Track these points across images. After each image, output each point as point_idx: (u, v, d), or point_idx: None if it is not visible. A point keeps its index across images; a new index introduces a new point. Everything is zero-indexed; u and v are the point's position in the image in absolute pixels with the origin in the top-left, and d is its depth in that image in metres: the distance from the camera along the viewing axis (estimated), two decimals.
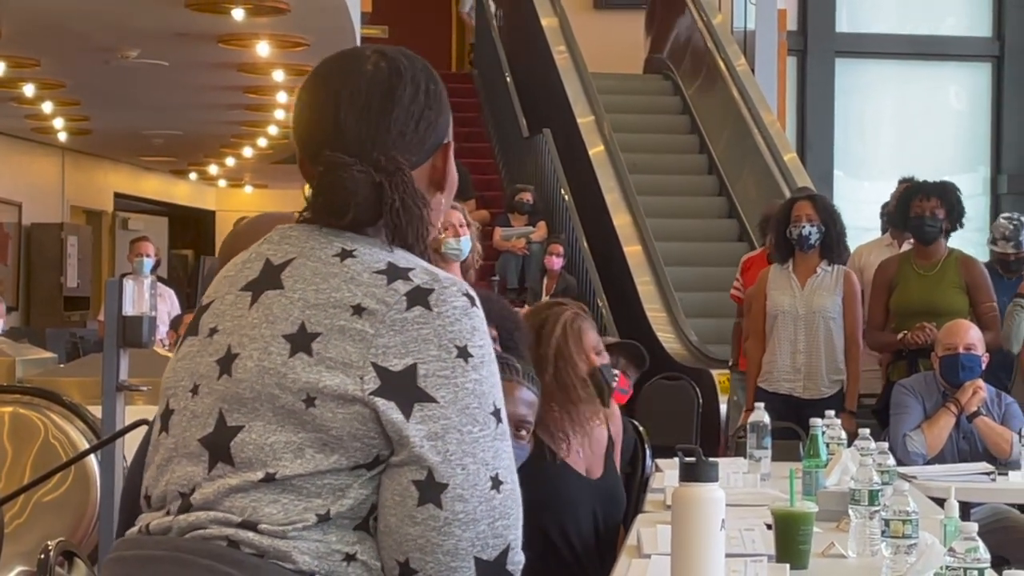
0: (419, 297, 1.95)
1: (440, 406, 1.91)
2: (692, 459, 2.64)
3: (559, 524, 4.24)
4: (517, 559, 1.92)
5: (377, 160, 2.02)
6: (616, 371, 4.62)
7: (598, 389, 4.34)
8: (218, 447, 1.96)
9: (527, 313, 4.62)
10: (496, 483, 1.90)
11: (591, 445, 4.43)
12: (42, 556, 2.73)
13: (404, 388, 1.91)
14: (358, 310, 1.94)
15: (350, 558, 1.92)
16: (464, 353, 1.93)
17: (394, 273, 1.97)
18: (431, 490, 1.89)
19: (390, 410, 1.91)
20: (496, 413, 1.93)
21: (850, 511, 3.58)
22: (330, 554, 1.92)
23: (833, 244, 7.34)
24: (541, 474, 4.22)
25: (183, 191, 25.34)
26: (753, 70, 14.77)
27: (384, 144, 2.05)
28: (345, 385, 1.92)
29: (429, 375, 1.92)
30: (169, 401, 2.05)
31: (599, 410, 4.45)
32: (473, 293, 2.00)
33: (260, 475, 1.93)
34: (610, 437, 4.51)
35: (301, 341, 1.94)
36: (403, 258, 2.00)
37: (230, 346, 1.99)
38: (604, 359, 4.40)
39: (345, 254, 1.99)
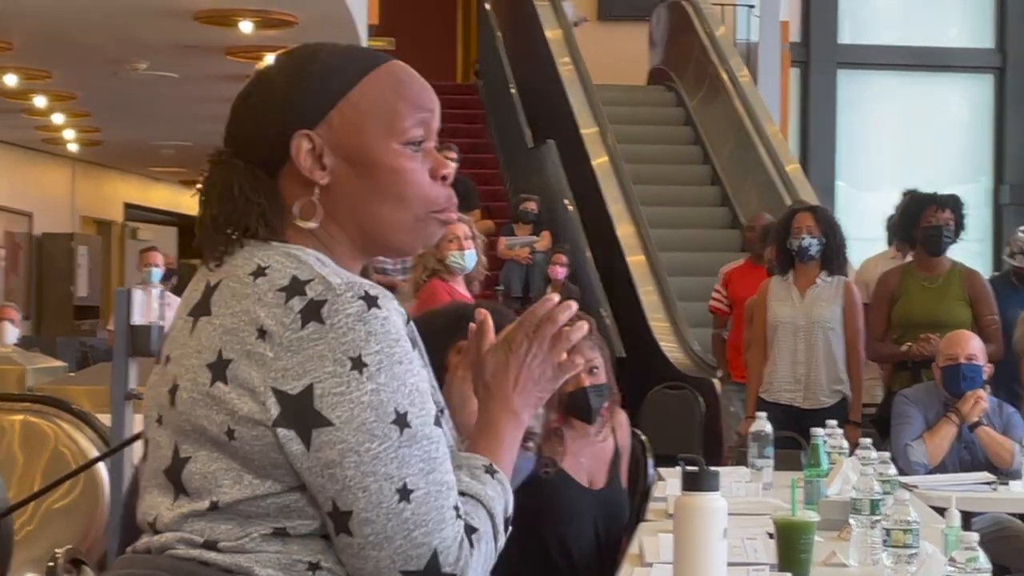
0: (312, 312, 1.84)
1: (336, 428, 1.82)
2: (694, 468, 2.64)
3: (558, 535, 4.24)
4: (452, 559, 1.83)
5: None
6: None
7: (579, 409, 4.34)
8: (175, 478, 1.93)
9: None
10: (404, 494, 1.81)
11: (594, 455, 4.43)
12: (51, 564, 2.74)
13: (302, 413, 1.83)
14: (261, 333, 1.86)
15: (314, 567, 1.88)
16: (358, 364, 1.82)
17: (293, 289, 1.86)
18: (339, 519, 1.83)
19: (290, 441, 1.84)
20: (399, 419, 1.82)
21: (851, 520, 3.58)
22: (292, 564, 1.88)
23: (833, 255, 7.33)
24: (539, 483, 4.23)
25: (192, 202, 24.93)
26: (756, 81, 14.78)
27: (231, 140, 2.02)
28: (253, 412, 1.85)
29: (325, 394, 1.82)
30: (145, 429, 2.03)
31: (603, 422, 4.45)
32: (377, 292, 1.86)
33: (206, 504, 1.90)
34: (616, 448, 4.51)
35: (219, 369, 1.88)
36: (310, 268, 1.89)
37: (175, 376, 1.94)
38: (597, 378, 4.39)
39: (258, 271, 1.91)
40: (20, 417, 6.01)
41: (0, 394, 6.56)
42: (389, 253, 2.04)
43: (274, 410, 1.84)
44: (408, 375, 1.85)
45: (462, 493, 1.89)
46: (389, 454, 1.82)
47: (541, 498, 4.05)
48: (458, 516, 1.85)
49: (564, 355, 2.02)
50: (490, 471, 1.94)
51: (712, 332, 9.19)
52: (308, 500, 1.88)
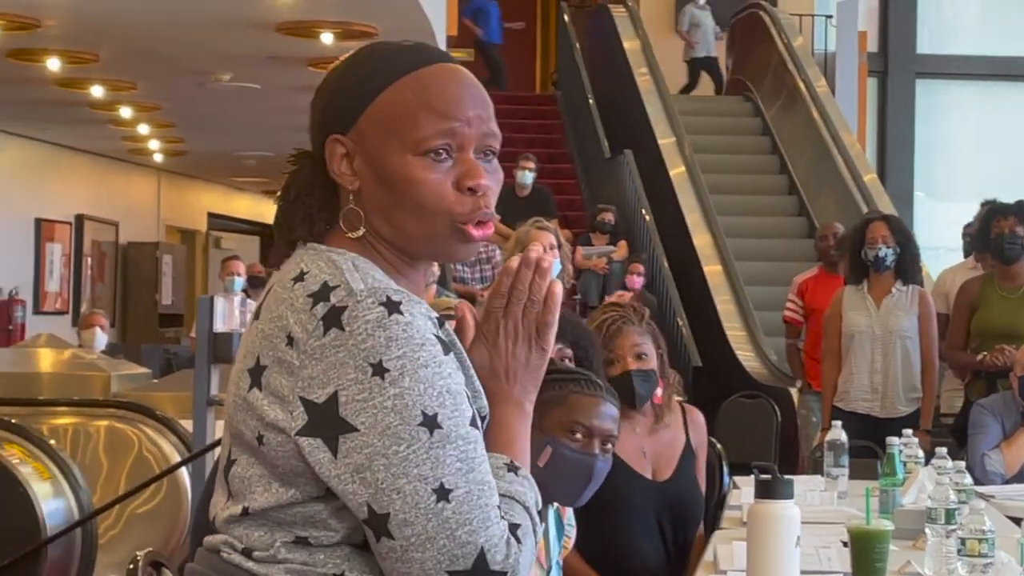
0: (333, 318, 1.82)
1: (361, 434, 1.79)
2: (767, 476, 2.63)
3: (614, 523, 4.23)
4: (500, 556, 1.79)
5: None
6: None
7: (623, 394, 4.34)
8: (225, 479, 1.95)
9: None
10: (443, 493, 1.78)
11: (658, 446, 4.42)
12: (131, 566, 2.76)
13: (328, 421, 1.81)
14: (289, 340, 1.85)
15: None
16: (379, 369, 1.79)
17: (320, 295, 1.85)
18: (377, 523, 1.80)
19: (316, 450, 1.82)
20: (427, 421, 1.79)
21: (927, 529, 3.55)
22: (318, 572, 1.87)
23: (908, 265, 7.28)
24: None
25: (273, 211, 25.52)
26: (833, 91, 14.71)
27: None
28: (278, 420, 1.85)
29: (349, 401, 1.80)
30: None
31: (662, 411, 4.45)
32: (400, 297, 1.84)
33: (240, 509, 1.91)
34: (689, 444, 4.49)
35: (256, 375, 1.88)
36: (340, 274, 1.88)
37: (232, 380, 1.97)
38: (645, 363, 4.39)
39: (299, 276, 1.90)
40: (105, 423, 6.07)
41: (86, 400, 6.63)
42: (422, 261, 1.98)
43: (300, 420, 1.83)
44: (436, 378, 1.82)
45: (505, 497, 1.87)
46: (420, 456, 1.79)
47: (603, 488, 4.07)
48: (502, 515, 1.83)
49: (539, 315, 1.95)
50: (512, 468, 1.91)
51: (787, 342, 9.15)
52: (331, 511, 1.86)
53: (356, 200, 1.94)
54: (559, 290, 1.99)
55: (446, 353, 1.85)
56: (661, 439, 4.45)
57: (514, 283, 1.96)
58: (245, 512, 1.90)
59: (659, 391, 4.45)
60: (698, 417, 4.62)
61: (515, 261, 1.96)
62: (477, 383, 1.93)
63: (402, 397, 1.80)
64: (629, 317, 4.43)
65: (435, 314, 1.89)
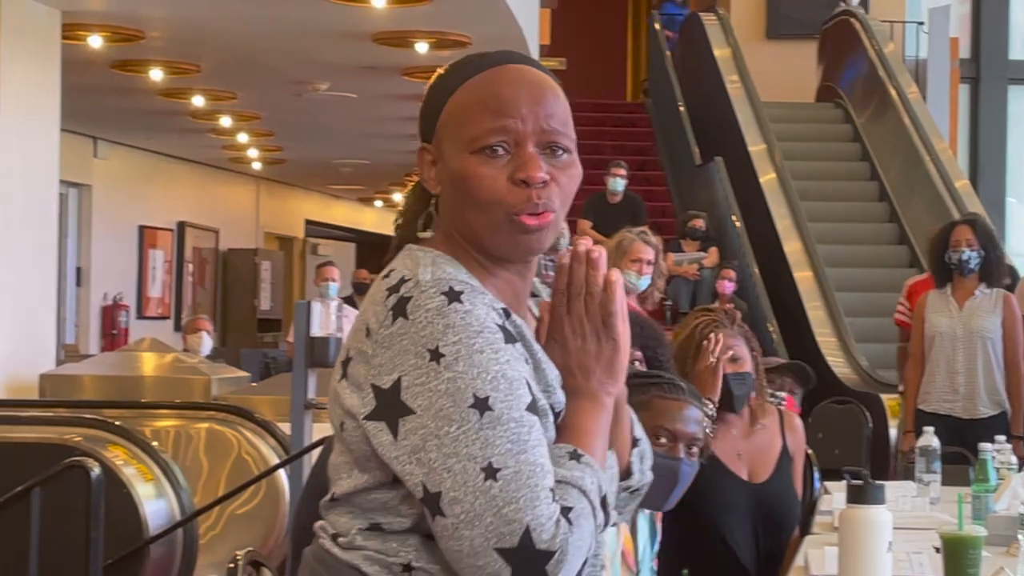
0: (400, 308, 1.88)
1: (417, 416, 1.84)
2: (859, 481, 2.60)
3: (713, 522, 4.22)
4: (546, 536, 1.79)
5: None
6: (783, 393, 4.59)
7: (720, 397, 4.33)
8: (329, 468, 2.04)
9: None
10: (491, 472, 1.80)
11: (755, 449, 4.40)
12: (231, 565, 2.79)
13: (392, 405, 1.86)
14: (367, 331, 1.91)
15: (407, 568, 1.91)
16: (436, 355, 1.84)
17: (395, 288, 1.91)
18: (431, 502, 1.84)
19: (380, 432, 1.87)
20: (478, 404, 1.82)
21: (1020, 536, 3.51)
22: (389, 565, 1.92)
23: (992, 268, 7.20)
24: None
25: (370, 218, 25.68)
26: (925, 98, 14.56)
27: None
28: (354, 406, 1.91)
29: (409, 386, 1.85)
30: None
31: (757, 414, 4.43)
32: (463, 288, 1.87)
33: (330, 495, 1.98)
34: (786, 447, 4.47)
35: (344, 367, 1.95)
36: (416, 268, 1.93)
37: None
38: (740, 366, 4.37)
39: (387, 274, 1.96)
40: (206, 425, 6.12)
41: (187, 403, 6.70)
42: (490, 254, 1.99)
43: (369, 405, 1.88)
44: (491, 363, 1.84)
45: (561, 482, 1.86)
46: (470, 436, 1.82)
47: (696, 484, 4.06)
48: (554, 498, 1.82)
49: (605, 311, 1.95)
50: (574, 456, 1.90)
51: (897, 345, 9.04)
52: (401, 497, 1.90)
53: (440, 203, 2.00)
54: (617, 278, 1.99)
55: (508, 342, 1.88)
56: (757, 442, 4.42)
57: (569, 279, 1.97)
58: (334, 498, 1.97)
59: (752, 392, 4.43)
60: (796, 422, 4.59)
61: (566, 257, 1.97)
62: (551, 377, 1.94)
63: (455, 381, 1.83)
64: (721, 321, 4.41)
65: (500, 305, 1.91)
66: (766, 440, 4.45)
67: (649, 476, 2.16)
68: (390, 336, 1.88)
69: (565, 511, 1.83)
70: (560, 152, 1.96)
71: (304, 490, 3.54)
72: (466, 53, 2.08)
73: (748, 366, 4.39)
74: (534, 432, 1.85)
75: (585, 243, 1.98)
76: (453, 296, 1.87)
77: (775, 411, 4.55)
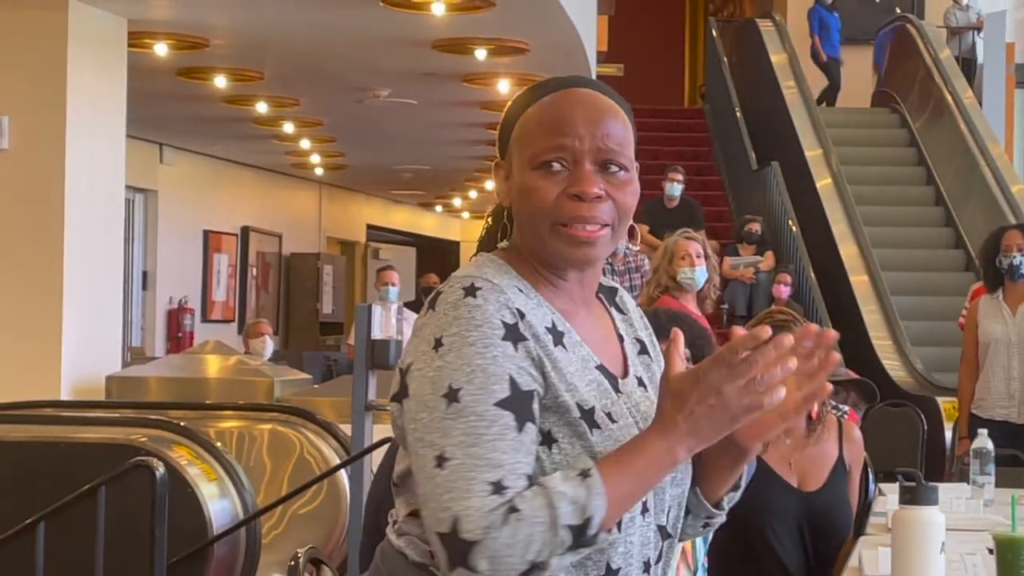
0: (432, 302, 1.99)
1: (410, 399, 1.95)
2: (912, 483, 2.60)
3: (759, 528, 4.21)
4: (472, 526, 1.84)
5: None
6: (846, 407, 4.56)
7: None
8: None
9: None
10: (441, 460, 1.88)
11: (808, 458, 4.37)
12: (292, 563, 2.80)
13: (403, 387, 1.98)
14: (414, 326, 2.04)
15: (431, 554, 1.96)
16: (438, 344, 1.93)
17: (434, 295, 2.01)
18: (412, 481, 1.96)
19: (397, 414, 2.00)
20: (449, 394, 1.89)
21: None
22: (424, 552, 1.98)
23: None
24: None
25: (430, 223, 25.74)
26: (981, 103, 14.45)
27: None
28: (393, 390, 2.02)
29: (413, 370, 1.96)
30: None
31: (814, 425, 4.40)
32: (481, 284, 1.96)
33: (391, 481, 2.08)
34: (841, 458, 4.43)
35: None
36: (468, 269, 2.02)
37: None
38: None
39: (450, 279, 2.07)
40: (268, 426, 6.14)
41: (250, 404, 6.73)
42: (546, 265, 2.06)
43: (396, 387, 2.00)
44: (475, 356, 1.91)
45: (539, 484, 1.88)
46: (435, 424, 1.90)
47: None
48: (496, 492, 1.86)
49: (762, 394, 1.89)
50: (584, 474, 1.90)
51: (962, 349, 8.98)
52: None
53: (509, 216, 2.10)
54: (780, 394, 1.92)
55: (508, 339, 1.94)
56: (810, 451, 4.39)
57: (757, 361, 1.90)
58: (393, 483, 2.07)
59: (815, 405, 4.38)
60: (855, 433, 4.54)
61: (767, 333, 1.90)
62: (572, 377, 1.98)
63: (441, 369, 1.92)
64: (794, 323, 4.36)
65: (516, 306, 1.97)
66: (821, 450, 4.42)
67: (723, 517, 2.18)
68: (420, 326, 1.99)
69: (513, 510, 1.86)
70: (617, 170, 2.04)
71: (379, 478, 3.56)
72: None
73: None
74: (494, 428, 1.89)
75: (787, 342, 1.90)
76: (470, 291, 1.96)
77: (834, 421, 4.52)
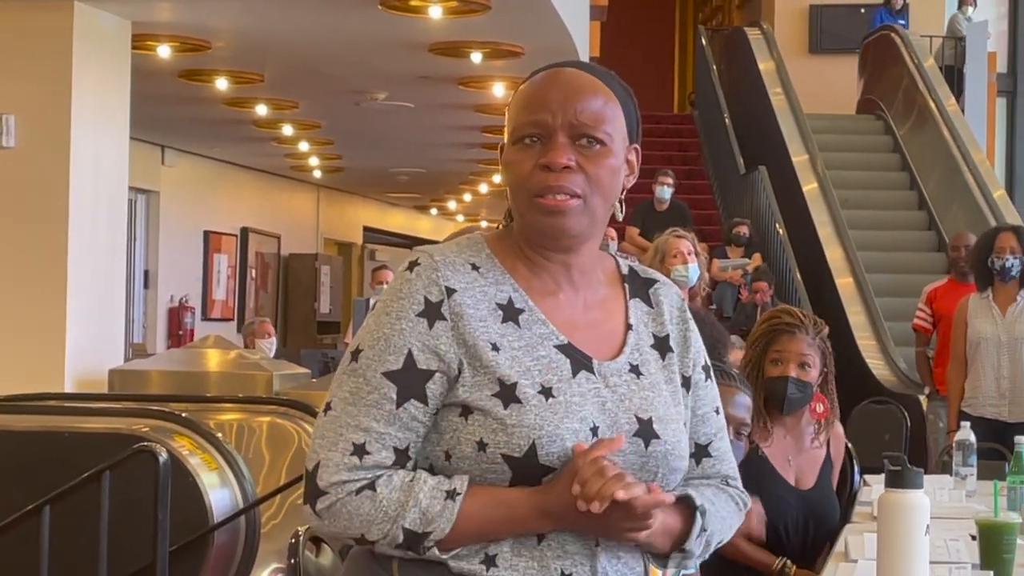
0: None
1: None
2: (897, 467, 2.59)
3: (771, 522, 4.22)
4: (327, 477, 1.96)
5: None
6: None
7: (775, 396, 4.30)
8: None
9: (766, 312, 4.67)
10: (326, 408, 2.01)
11: (805, 460, 4.39)
12: (292, 541, 2.81)
13: None
14: None
15: None
16: (374, 306, 2.07)
17: None
18: None
19: None
20: (355, 352, 2.02)
21: None
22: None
23: None
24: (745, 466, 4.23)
25: (425, 225, 25.73)
26: (963, 110, 14.47)
27: None
28: None
29: None
30: None
31: (818, 428, 4.42)
32: (423, 260, 2.03)
33: None
34: (828, 456, 4.46)
35: None
36: (431, 249, 2.08)
37: None
38: (806, 374, 4.34)
39: None
40: (268, 419, 6.13)
41: (250, 397, 6.73)
42: (530, 240, 2.07)
43: None
44: (384, 325, 2.01)
45: (412, 479, 1.96)
46: (338, 375, 2.04)
47: (748, 483, 4.07)
48: (356, 454, 1.96)
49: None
50: (450, 495, 1.96)
51: (916, 350, 9.04)
52: None
53: (507, 196, 2.11)
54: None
55: (423, 316, 1.99)
56: (807, 450, 4.41)
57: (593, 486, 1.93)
58: None
59: (820, 407, 4.38)
60: (838, 429, 4.58)
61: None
62: (488, 358, 1.99)
63: (362, 329, 2.04)
64: (805, 326, 4.35)
65: (449, 284, 2.01)
66: (815, 450, 4.44)
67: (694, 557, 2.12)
68: None
69: (371, 487, 1.95)
70: (592, 143, 2.04)
71: None
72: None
73: (814, 377, 4.34)
74: (374, 395, 1.98)
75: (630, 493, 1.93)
76: (411, 265, 2.04)
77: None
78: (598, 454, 1.94)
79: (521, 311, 2.04)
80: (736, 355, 4.84)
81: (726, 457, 2.19)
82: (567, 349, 2.04)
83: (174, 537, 4.65)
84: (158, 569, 4.56)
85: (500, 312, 2.02)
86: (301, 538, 2.77)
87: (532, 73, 2.12)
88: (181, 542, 4.71)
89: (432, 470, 2.00)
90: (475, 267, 2.04)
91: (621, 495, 1.90)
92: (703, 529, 2.07)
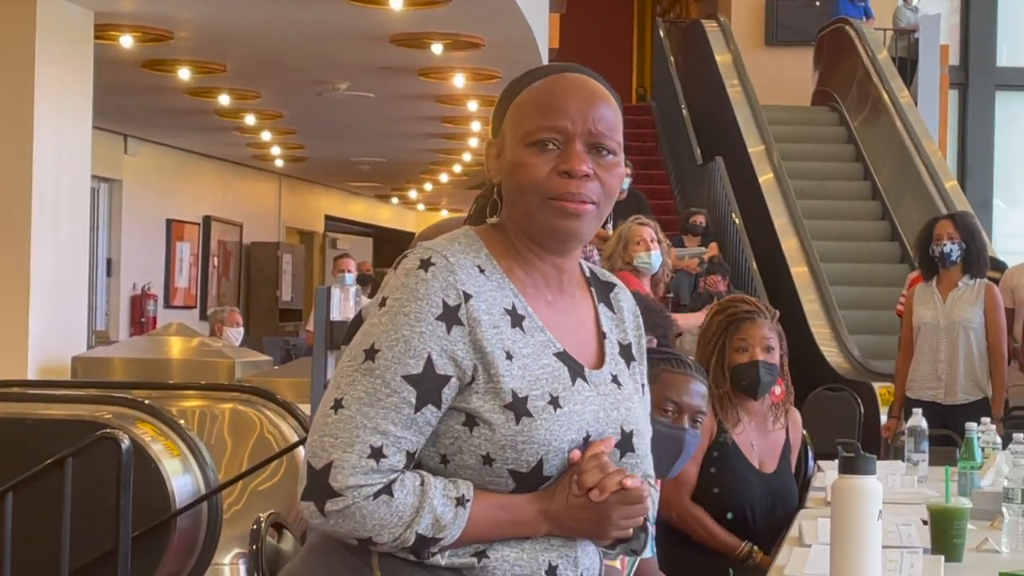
0: (397, 264, 2.04)
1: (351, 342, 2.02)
2: (851, 453, 2.61)
3: (737, 505, 4.25)
4: (341, 479, 1.91)
5: None
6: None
7: (748, 381, 4.34)
8: None
9: (715, 303, 4.69)
10: (337, 405, 1.94)
11: (766, 443, 4.42)
12: (254, 526, 2.80)
13: (350, 335, 2.05)
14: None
15: None
16: (383, 303, 1.98)
17: (401, 258, 2.06)
18: None
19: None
20: (370, 351, 1.95)
21: (1004, 509, 3.52)
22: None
23: (974, 260, 7.25)
24: (715, 450, 4.25)
25: (386, 214, 25.69)
26: (916, 102, 14.54)
27: None
28: None
29: (364, 322, 2.02)
30: None
31: (778, 411, 4.46)
32: (437, 260, 1.98)
33: None
34: (788, 440, 4.51)
35: None
36: (437, 248, 2.03)
37: None
38: (771, 357, 4.39)
39: None
40: (230, 406, 6.12)
41: (212, 385, 6.71)
42: (534, 240, 2.07)
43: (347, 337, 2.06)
44: (404, 327, 1.95)
45: (423, 483, 1.94)
46: (348, 371, 1.96)
47: (718, 466, 4.12)
48: (374, 457, 1.92)
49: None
50: (460, 502, 1.96)
51: (899, 335, 9.07)
52: None
53: (499, 192, 2.10)
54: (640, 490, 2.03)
55: (442, 320, 1.96)
56: (768, 435, 4.45)
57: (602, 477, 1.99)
58: None
59: (778, 389, 4.44)
60: (796, 416, 4.64)
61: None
62: (502, 368, 1.98)
63: (374, 327, 1.97)
64: (762, 312, 4.43)
65: (463, 290, 1.98)
66: (775, 433, 4.48)
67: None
68: (382, 285, 2.04)
69: (387, 492, 1.92)
70: (606, 153, 2.06)
71: None
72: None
73: (777, 359, 4.42)
74: (393, 398, 1.93)
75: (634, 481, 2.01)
76: (424, 265, 1.98)
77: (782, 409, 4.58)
78: (598, 451, 2.00)
79: (523, 317, 2.02)
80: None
81: (648, 456, 2.21)
82: (564, 357, 2.05)
83: (136, 523, 4.64)
84: (120, 554, 4.55)
85: (508, 318, 2.01)
86: (263, 524, 2.76)
87: (533, 72, 2.12)
88: (143, 528, 4.70)
89: (422, 469, 1.99)
90: (481, 270, 2.02)
91: (629, 483, 1.98)
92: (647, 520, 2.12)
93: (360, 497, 1.91)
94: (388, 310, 1.96)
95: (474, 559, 1.97)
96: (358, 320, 2.04)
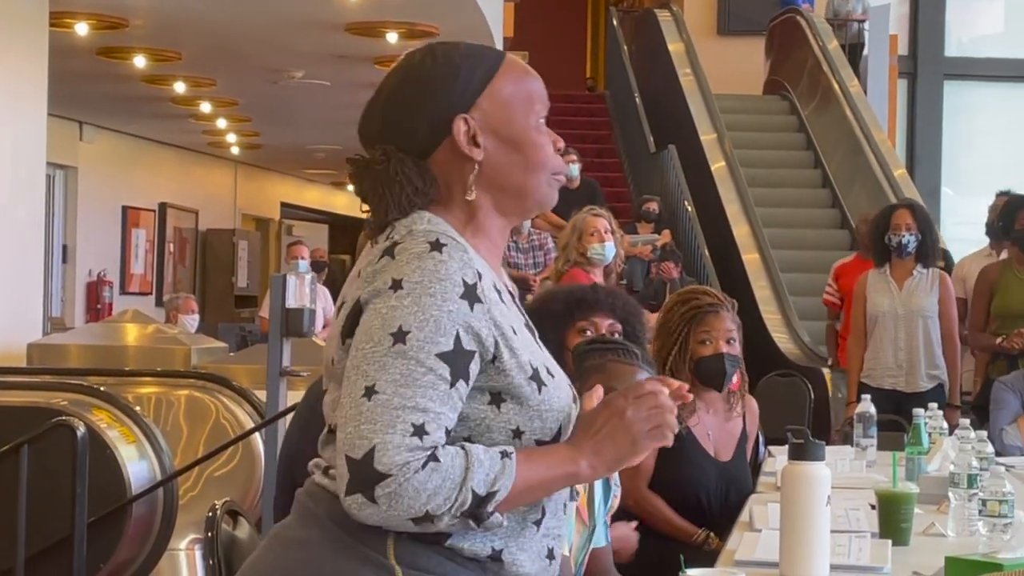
0: (389, 250, 2.00)
1: (359, 330, 1.97)
2: (800, 440, 2.63)
3: (694, 493, 4.27)
4: (387, 460, 1.89)
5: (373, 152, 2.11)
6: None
7: (712, 373, 4.36)
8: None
9: (674, 294, 4.69)
10: (370, 392, 1.91)
11: (722, 431, 4.44)
12: (209, 514, 2.79)
13: (353, 320, 1.99)
14: (359, 275, 2.04)
15: None
16: (397, 285, 1.96)
17: (391, 239, 2.03)
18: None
19: (340, 349, 2.02)
20: (398, 334, 1.93)
21: (950, 494, 3.54)
22: None
23: (928, 250, 7.30)
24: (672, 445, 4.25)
25: (341, 201, 25.62)
26: (866, 92, 14.61)
27: (381, 137, 2.11)
28: (340, 326, 2.04)
29: (365, 305, 1.98)
30: None
31: (734, 400, 4.47)
32: (447, 242, 1.99)
33: (326, 429, 2.09)
34: (744, 430, 4.52)
35: (338, 311, 2.08)
36: (412, 222, 2.04)
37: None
38: (734, 349, 4.40)
39: (388, 235, 2.06)
40: (185, 392, 6.10)
41: (168, 371, 6.67)
42: (523, 211, 2.17)
43: (346, 323, 2.01)
44: (431, 307, 1.95)
45: (463, 446, 1.94)
46: (375, 357, 1.93)
47: (674, 455, 4.13)
48: (417, 435, 1.90)
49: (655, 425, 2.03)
50: (504, 455, 1.97)
51: (826, 323, 9.14)
52: None
53: (479, 169, 2.09)
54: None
55: (465, 298, 1.97)
56: (724, 424, 4.46)
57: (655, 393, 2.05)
58: (330, 430, 2.06)
59: (735, 378, 4.46)
60: (753, 405, 4.65)
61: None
62: (516, 342, 2.02)
63: (395, 309, 1.95)
64: (724, 304, 4.43)
65: (477, 268, 2.00)
66: (731, 422, 4.49)
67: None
68: (375, 272, 1.99)
69: (434, 459, 1.91)
70: None
71: (291, 431, 3.56)
72: (435, 44, 2.19)
73: (738, 351, 4.43)
74: (430, 376, 1.93)
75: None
76: (436, 246, 1.98)
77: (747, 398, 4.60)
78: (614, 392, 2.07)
79: (501, 291, 2.07)
80: None
81: None
82: (528, 326, 2.13)
83: (92, 508, 4.62)
84: (76, 540, 4.53)
85: (497, 293, 2.05)
86: (218, 511, 2.76)
87: (489, 52, 2.17)
88: (99, 514, 4.68)
89: None
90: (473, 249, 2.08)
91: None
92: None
93: (410, 472, 1.89)
94: (410, 292, 1.95)
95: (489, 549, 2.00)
96: (357, 310, 2.00)
